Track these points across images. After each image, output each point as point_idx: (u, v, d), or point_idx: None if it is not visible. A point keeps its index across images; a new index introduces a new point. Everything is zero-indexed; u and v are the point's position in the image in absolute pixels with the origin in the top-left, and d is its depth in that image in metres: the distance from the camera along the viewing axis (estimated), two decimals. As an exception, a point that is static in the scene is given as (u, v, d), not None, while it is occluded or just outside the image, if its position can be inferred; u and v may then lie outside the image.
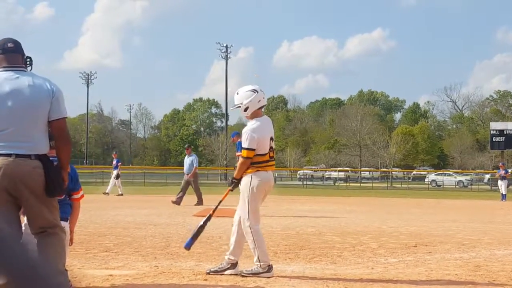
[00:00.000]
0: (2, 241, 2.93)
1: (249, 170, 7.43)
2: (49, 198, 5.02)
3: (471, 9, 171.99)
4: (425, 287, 6.75)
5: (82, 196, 6.22)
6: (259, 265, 7.28)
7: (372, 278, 7.33)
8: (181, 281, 6.91)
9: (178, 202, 21.78)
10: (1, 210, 4.87)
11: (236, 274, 7.33)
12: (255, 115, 7.54)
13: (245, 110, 7.50)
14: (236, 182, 7.63)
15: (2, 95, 4.93)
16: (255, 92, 7.47)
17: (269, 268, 7.32)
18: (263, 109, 7.71)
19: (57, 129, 5.14)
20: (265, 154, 7.55)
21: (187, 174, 22.81)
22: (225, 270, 7.37)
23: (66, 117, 5.25)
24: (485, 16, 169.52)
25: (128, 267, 7.92)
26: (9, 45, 5.12)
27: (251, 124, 7.48)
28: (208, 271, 7.42)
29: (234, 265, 7.41)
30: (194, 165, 22.74)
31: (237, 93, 7.60)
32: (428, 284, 6.94)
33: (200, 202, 21.97)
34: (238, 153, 17.40)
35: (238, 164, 7.61)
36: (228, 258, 7.44)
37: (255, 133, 7.38)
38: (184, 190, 22.46)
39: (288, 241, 11.02)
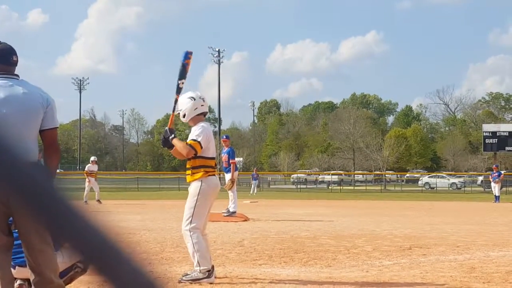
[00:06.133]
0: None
1: (199, 175, 7.30)
2: None
3: (465, 12, 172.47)
4: (420, 289, 6.75)
5: None
6: (199, 270, 7.11)
7: (367, 281, 7.33)
8: (176, 286, 6.90)
9: None
10: None
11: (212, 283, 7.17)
12: (196, 120, 7.51)
13: (184, 116, 7.50)
14: (167, 138, 7.34)
15: None
16: (192, 100, 7.46)
17: (210, 273, 7.15)
18: (205, 116, 7.69)
19: (49, 138, 5.10)
20: (213, 159, 7.55)
21: None
22: (201, 279, 7.15)
23: (57, 128, 5.23)
24: (478, 19, 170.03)
25: (122, 272, 7.90)
26: (14, 58, 5.06)
27: (202, 123, 7.47)
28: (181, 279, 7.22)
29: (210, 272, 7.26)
30: None
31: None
32: (423, 286, 6.95)
33: None
34: (231, 161, 17.42)
35: (182, 145, 7.27)
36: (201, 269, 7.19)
37: (207, 131, 7.40)
38: None
39: (283, 245, 11.01)
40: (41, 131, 5.06)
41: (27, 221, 4.90)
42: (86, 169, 28.95)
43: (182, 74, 7.54)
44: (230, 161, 17.52)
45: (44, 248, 4.95)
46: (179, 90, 7.52)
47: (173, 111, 7.54)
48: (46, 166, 5.13)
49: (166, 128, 7.45)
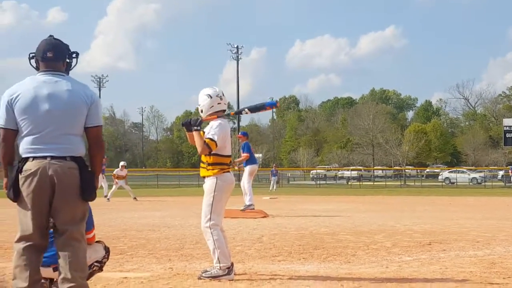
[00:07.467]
0: None
1: (214, 171, 7.33)
2: (82, 201, 5.04)
3: (484, 6, 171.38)
4: (440, 285, 6.72)
5: (94, 237, 6.01)
6: (219, 267, 7.12)
7: (386, 277, 7.32)
8: (195, 282, 6.91)
9: None
10: (34, 212, 4.89)
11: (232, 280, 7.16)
12: (215, 116, 7.49)
13: (201, 111, 7.50)
14: (192, 125, 7.32)
15: (40, 97, 4.95)
16: (209, 97, 7.41)
17: (229, 270, 7.15)
18: (224, 112, 7.61)
19: (93, 136, 5.15)
20: (229, 156, 7.55)
21: None
22: (220, 276, 7.14)
23: (102, 125, 5.27)
24: (498, 13, 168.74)
25: (142, 269, 7.95)
26: (48, 54, 5.11)
27: (219, 120, 7.42)
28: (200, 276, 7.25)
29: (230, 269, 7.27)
30: None
31: (199, 93, 7.58)
32: (443, 282, 6.92)
33: None
34: (243, 154, 17.52)
35: (200, 141, 7.23)
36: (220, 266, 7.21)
37: (223, 129, 7.35)
38: None
39: (302, 241, 11.01)
40: (86, 128, 5.12)
41: (65, 208, 4.94)
42: (114, 172, 29.26)
43: (254, 110, 7.56)
44: (243, 154, 17.64)
45: (75, 244, 4.99)
46: (238, 112, 7.62)
47: (216, 115, 7.49)
48: (91, 162, 5.18)
49: (200, 118, 7.42)
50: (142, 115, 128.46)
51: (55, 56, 5.14)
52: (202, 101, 7.45)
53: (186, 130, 7.42)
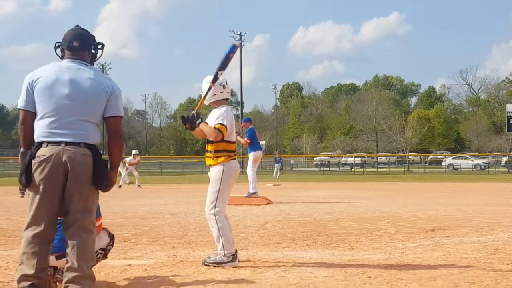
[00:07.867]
0: None
1: (221, 159, 7.30)
2: (93, 189, 5.02)
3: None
4: (443, 271, 6.71)
5: (100, 225, 5.93)
6: (223, 254, 7.11)
7: (390, 263, 7.31)
8: (199, 270, 6.91)
9: None
10: (46, 199, 4.88)
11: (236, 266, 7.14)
12: (218, 104, 7.49)
13: (204, 98, 7.49)
14: (193, 122, 7.26)
15: (60, 81, 4.97)
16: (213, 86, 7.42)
17: (234, 257, 7.14)
18: (227, 100, 7.61)
19: (112, 126, 5.16)
20: (234, 143, 7.54)
21: None
22: (225, 263, 7.14)
23: (121, 117, 5.26)
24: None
25: (146, 256, 7.95)
26: (74, 43, 5.14)
27: (224, 107, 7.42)
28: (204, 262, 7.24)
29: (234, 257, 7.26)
30: None
31: (203, 80, 7.55)
32: (446, 268, 6.91)
33: None
34: (246, 139, 17.51)
35: (210, 129, 7.21)
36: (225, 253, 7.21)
37: (229, 115, 7.35)
38: None
39: (306, 228, 11.02)
40: (105, 119, 5.14)
41: (76, 195, 4.93)
42: (127, 159, 30.06)
43: (223, 66, 7.39)
44: (245, 139, 17.61)
45: (85, 234, 4.98)
46: (215, 79, 7.42)
47: (204, 97, 7.49)
48: (109, 155, 5.18)
49: (193, 112, 7.38)
50: (145, 102, 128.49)
51: (80, 46, 5.17)
52: (206, 89, 7.43)
53: (191, 129, 7.39)
